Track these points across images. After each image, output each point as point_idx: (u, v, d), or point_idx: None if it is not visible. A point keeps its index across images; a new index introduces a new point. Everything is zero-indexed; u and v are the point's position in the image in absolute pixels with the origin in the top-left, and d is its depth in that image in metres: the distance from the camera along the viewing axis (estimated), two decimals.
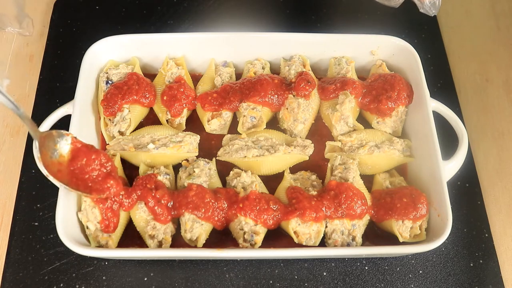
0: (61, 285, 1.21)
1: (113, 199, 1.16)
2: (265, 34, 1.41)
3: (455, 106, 1.48)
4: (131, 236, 1.21)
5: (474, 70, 1.59)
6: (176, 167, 1.30)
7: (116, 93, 1.29)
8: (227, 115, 1.35)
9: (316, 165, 1.33)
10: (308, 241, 1.18)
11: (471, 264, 1.28)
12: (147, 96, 1.33)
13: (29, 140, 1.38)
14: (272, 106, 1.34)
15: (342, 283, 1.24)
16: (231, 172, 1.28)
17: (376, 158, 1.28)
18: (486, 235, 1.32)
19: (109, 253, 1.16)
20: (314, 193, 1.21)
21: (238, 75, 1.43)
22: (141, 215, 1.18)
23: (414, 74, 1.35)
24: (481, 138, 1.47)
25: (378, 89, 1.33)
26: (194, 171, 1.24)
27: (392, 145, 1.30)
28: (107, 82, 1.33)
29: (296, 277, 1.24)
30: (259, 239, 1.16)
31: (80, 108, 1.26)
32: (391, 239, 1.20)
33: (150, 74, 1.42)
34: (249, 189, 1.20)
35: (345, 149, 1.31)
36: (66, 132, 1.15)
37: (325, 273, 1.25)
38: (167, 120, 1.36)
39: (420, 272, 1.26)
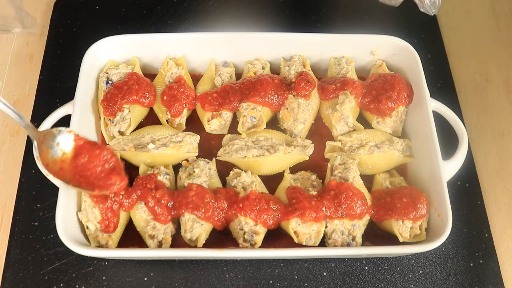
0: (61, 285, 1.21)
1: (113, 199, 1.16)
2: (265, 34, 1.41)
3: (455, 106, 1.48)
4: (131, 236, 1.21)
5: (474, 70, 1.59)
6: (176, 167, 1.30)
7: (116, 93, 1.29)
8: (227, 115, 1.35)
9: (316, 165, 1.33)
10: (308, 241, 1.18)
11: (471, 264, 1.28)
12: (147, 96, 1.33)
13: (29, 140, 1.37)
14: (272, 106, 1.34)
15: (342, 283, 1.24)
16: (231, 172, 1.28)
17: (376, 158, 1.28)
18: (486, 235, 1.32)
19: (109, 253, 1.16)
20: (314, 193, 1.21)
21: (238, 75, 1.43)
22: (141, 215, 1.18)
23: (414, 74, 1.35)
24: (481, 138, 1.47)
25: (378, 89, 1.33)
26: (194, 171, 1.24)
27: (392, 145, 1.30)
28: (107, 82, 1.33)
29: (296, 277, 1.24)
30: (259, 239, 1.16)
31: (80, 108, 1.26)
32: (391, 239, 1.20)
33: (150, 74, 1.42)
34: (249, 189, 1.20)
35: (345, 149, 1.31)
36: (68, 129, 1.14)
37: (325, 273, 1.25)
38: (167, 120, 1.36)
39: (420, 272, 1.26)
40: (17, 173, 1.35)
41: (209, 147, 1.36)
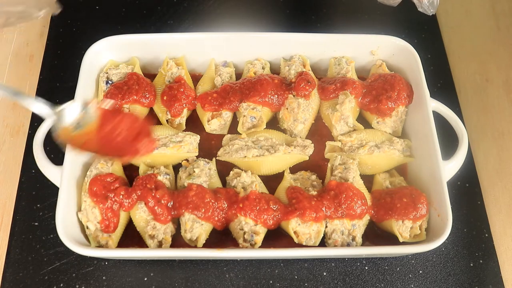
0: (61, 285, 1.21)
1: (113, 199, 1.16)
2: (265, 34, 1.41)
3: (455, 106, 1.48)
4: (131, 236, 1.21)
5: (474, 70, 1.59)
6: (176, 167, 1.30)
7: (116, 93, 1.29)
8: (227, 115, 1.35)
9: (316, 165, 1.33)
10: (308, 241, 1.18)
11: (471, 264, 1.28)
12: (147, 96, 1.33)
13: (29, 140, 1.38)
14: (272, 106, 1.34)
15: (342, 283, 1.24)
16: (231, 172, 1.28)
17: (376, 158, 1.28)
18: (486, 235, 1.32)
19: (109, 253, 1.16)
20: (314, 193, 1.21)
21: (238, 75, 1.43)
22: (141, 215, 1.18)
23: (414, 74, 1.35)
24: (481, 138, 1.47)
25: (378, 89, 1.33)
26: (194, 171, 1.24)
27: (392, 145, 1.30)
28: (107, 82, 1.33)
29: (296, 277, 1.24)
30: (259, 239, 1.16)
31: None
32: (391, 239, 1.20)
33: (150, 74, 1.42)
34: (249, 189, 1.20)
35: (345, 149, 1.31)
36: (88, 100, 1.11)
37: (325, 273, 1.25)
38: (167, 120, 1.36)
39: (420, 272, 1.26)
40: (17, 173, 1.35)
41: (209, 147, 1.36)
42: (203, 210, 1.15)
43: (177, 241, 1.20)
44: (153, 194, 1.16)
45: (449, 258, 1.28)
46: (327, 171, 1.29)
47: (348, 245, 1.19)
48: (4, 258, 1.24)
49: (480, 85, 1.56)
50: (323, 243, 1.20)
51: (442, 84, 1.54)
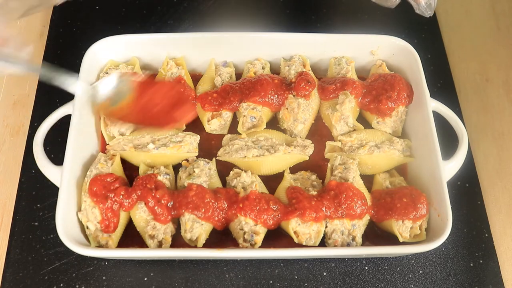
0: (61, 285, 1.21)
1: (113, 199, 1.16)
2: (265, 34, 1.41)
3: (455, 106, 1.48)
4: (131, 236, 1.21)
5: (474, 70, 1.59)
6: (176, 167, 1.30)
7: None
8: (227, 115, 1.35)
9: (316, 165, 1.33)
10: (308, 241, 1.18)
11: (471, 264, 1.28)
12: None
13: (29, 140, 1.38)
14: (272, 106, 1.34)
15: (342, 283, 1.24)
16: (231, 172, 1.28)
17: (376, 158, 1.28)
18: (486, 235, 1.32)
19: (109, 253, 1.16)
20: (314, 193, 1.21)
21: (238, 75, 1.43)
22: (141, 215, 1.18)
23: (414, 74, 1.35)
24: (481, 138, 1.47)
25: (378, 89, 1.33)
26: (194, 171, 1.24)
27: (392, 145, 1.30)
28: None
29: (296, 277, 1.24)
30: (259, 239, 1.16)
31: (80, 108, 1.26)
32: (391, 239, 1.20)
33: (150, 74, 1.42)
34: (249, 189, 1.20)
35: (345, 149, 1.31)
36: (122, 73, 1.10)
37: (325, 273, 1.25)
38: None
39: (420, 272, 1.26)
40: (17, 173, 1.35)
41: (209, 147, 1.36)
42: (203, 210, 1.15)
43: (177, 241, 1.20)
44: (153, 194, 1.16)
45: (449, 258, 1.28)
46: (327, 171, 1.29)
47: (348, 245, 1.19)
48: (4, 258, 1.24)
49: (480, 85, 1.56)
50: (323, 243, 1.20)
51: (442, 84, 1.54)
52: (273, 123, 1.39)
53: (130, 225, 1.22)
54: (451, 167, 1.25)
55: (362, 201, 1.19)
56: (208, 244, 1.18)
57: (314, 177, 1.29)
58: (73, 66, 1.35)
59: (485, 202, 1.36)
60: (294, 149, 1.29)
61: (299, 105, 1.32)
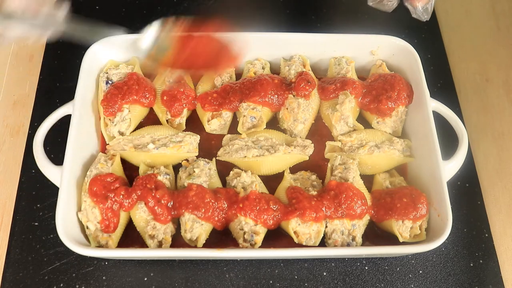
0: (61, 285, 1.21)
1: (113, 199, 1.16)
2: (265, 34, 1.41)
3: (455, 106, 1.48)
4: (131, 236, 1.21)
5: (474, 70, 1.59)
6: (176, 167, 1.30)
7: (116, 93, 1.29)
8: (227, 115, 1.35)
9: (316, 165, 1.33)
10: (308, 241, 1.18)
11: (471, 264, 1.28)
12: (147, 96, 1.33)
13: (29, 140, 1.38)
14: (272, 106, 1.34)
15: (342, 283, 1.24)
16: (231, 172, 1.28)
17: (376, 158, 1.28)
18: (486, 235, 1.32)
19: (109, 253, 1.16)
20: (314, 193, 1.21)
21: (238, 75, 1.43)
22: (141, 215, 1.18)
23: (414, 74, 1.35)
24: (481, 138, 1.47)
25: (378, 89, 1.33)
26: (194, 171, 1.24)
27: (392, 145, 1.30)
28: (107, 82, 1.33)
29: (296, 277, 1.24)
30: (259, 239, 1.16)
31: (80, 108, 1.26)
32: (391, 239, 1.20)
33: (150, 74, 1.42)
34: (249, 189, 1.20)
35: (345, 149, 1.31)
36: (162, 27, 1.12)
37: (325, 273, 1.25)
38: (167, 120, 1.36)
39: (420, 272, 1.26)
40: (17, 173, 1.35)
41: (209, 147, 1.36)
42: (203, 210, 1.15)
43: (177, 241, 1.20)
44: (153, 194, 1.16)
45: (449, 258, 1.28)
46: (327, 171, 1.29)
47: (348, 245, 1.19)
48: (4, 258, 1.24)
49: (480, 85, 1.56)
50: (323, 243, 1.20)
51: (442, 84, 1.54)
52: (273, 123, 1.39)
53: (130, 225, 1.22)
54: (451, 167, 1.25)
55: (362, 201, 1.19)
56: (208, 244, 1.18)
57: (314, 177, 1.29)
58: (73, 66, 1.35)
59: (485, 202, 1.36)
60: (294, 149, 1.29)
61: (299, 105, 1.32)
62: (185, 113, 1.35)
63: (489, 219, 1.34)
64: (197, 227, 1.17)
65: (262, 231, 1.17)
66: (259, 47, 1.41)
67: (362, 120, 1.39)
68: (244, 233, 1.17)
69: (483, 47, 1.64)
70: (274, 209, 1.17)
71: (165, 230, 1.18)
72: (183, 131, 1.35)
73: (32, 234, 1.27)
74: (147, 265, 1.24)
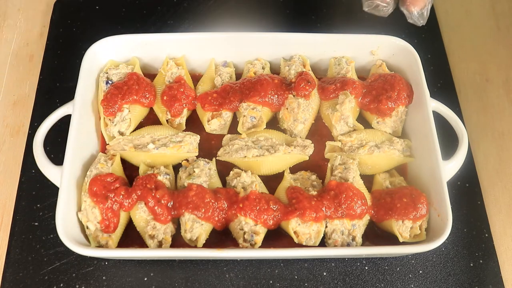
0: (61, 285, 1.21)
1: (113, 199, 1.16)
2: (265, 34, 1.41)
3: (455, 106, 1.48)
4: (131, 236, 1.21)
5: (474, 70, 1.59)
6: (176, 167, 1.30)
7: (116, 93, 1.29)
8: (227, 115, 1.35)
9: (316, 165, 1.33)
10: (308, 241, 1.18)
11: (471, 264, 1.28)
12: (147, 96, 1.33)
13: (29, 140, 1.38)
14: (272, 106, 1.34)
15: (342, 283, 1.24)
16: (231, 172, 1.28)
17: (376, 158, 1.28)
18: (486, 235, 1.32)
19: (109, 253, 1.16)
20: (314, 193, 1.21)
21: (238, 75, 1.43)
22: (141, 215, 1.18)
23: (414, 74, 1.35)
24: (481, 138, 1.47)
25: (378, 89, 1.33)
26: (194, 171, 1.24)
27: (392, 145, 1.30)
28: (107, 82, 1.33)
29: (296, 277, 1.24)
30: (259, 239, 1.16)
31: (80, 108, 1.26)
32: (391, 239, 1.20)
33: (150, 74, 1.42)
34: (249, 189, 1.20)
35: (345, 149, 1.31)
36: None
37: (325, 273, 1.25)
38: (167, 120, 1.36)
39: (420, 272, 1.26)
40: (17, 173, 1.35)
41: (209, 147, 1.36)
42: (203, 210, 1.15)
43: (177, 241, 1.20)
44: (153, 194, 1.16)
45: (449, 258, 1.28)
46: (327, 171, 1.29)
47: (348, 245, 1.19)
48: (4, 258, 1.24)
49: (480, 85, 1.56)
50: (323, 243, 1.20)
51: (442, 84, 1.54)
52: (273, 123, 1.39)
53: (130, 225, 1.22)
54: (451, 167, 1.25)
55: (362, 201, 1.19)
56: (208, 244, 1.18)
57: (314, 177, 1.29)
58: (73, 66, 1.36)
59: (485, 202, 1.36)
60: (294, 149, 1.29)
61: (299, 105, 1.32)
62: (185, 113, 1.35)
63: (489, 219, 1.34)
64: (197, 227, 1.17)
65: (262, 231, 1.17)
66: (259, 47, 1.41)
67: (362, 120, 1.39)
68: (244, 233, 1.17)
69: (483, 47, 1.64)
70: (274, 209, 1.17)
71: (165, 230, 1.18)
72: (183, 131, 1.35)
73: (32, 234, 1.27)
74: (147, 265, 1.24)
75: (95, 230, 1.17)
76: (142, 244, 1.19)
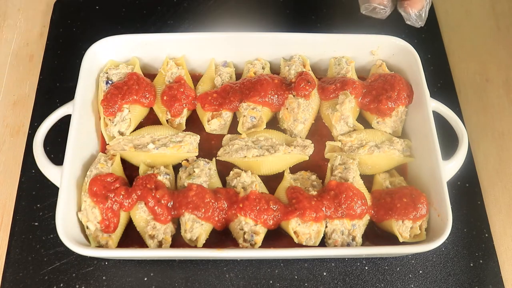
0: (61, 285, 1.21)
1: (113, 199, 1.16)
2: (265, 34, 1.41)
3: (455, 106, 1.48)
4: (131, 236, 1.21)
5: (474, 70, 1.59)
6: (176, 167, 1.30)
7: (116, 93, 1.29)
8: (227, 115, 1.35)
9: (316, 165, 1.33)
10: (308, 241, 1.18)
11: (471, 264, 1.28)
12: (147, 96, 1.33)
13: (29, 140, 1.38)
14: (272, 106, 1.34)
15: (342, 283, 1.24)
16: (231, 172, 1.28)
17: (376, 158, 1.28)
18: (486, 235, 1.32)
19: (109, 253, 1.16)
20: (314, 193, 1.21)
21: (238, 75, 1.43)
22: (141, 215, 1.18)
23: (414, 74, 1.35)
24: (481, 138, 1.47)
25: (378, 89, 1.33)
26: (194, 171, 1.24)
27: (392, 145, 1.30)
28: (107, 82, 1.33)
29: (296, 277, 1.24)
30: (259, 239, 1.16)
31: (80, 108, 1.26)
32: (391, 239, 1.20)
33: (150, 74, 1.42)
34: (249, 189, 1.20)
35: (345, 149, 1.31)
36: None
37: (325, 273, 1.25)
38: (167, 120, 1.36)
39: (420, 272, 1.26)
40: (17, 173, 1.35)
41: (209, 147, 1.36)
42: (203, 210, 1.15)
43: (177, 241, 1.20)
44: (153, 194, 1.16)
45: (449, 258, 1.28)
46: (327, 171, 1.29)
47: (348, 245, 1.19)
48: (4, 258, 1.24)
49: (480, 85, 1.56)
50: (323, 243, 1.20)
51: (442, 84, 1.54)
52: (273, 123, 1.39)
53: (130, 225, 1.22)
54: (451, 167, 1.25)
55: (362, 201, 1.19)
56: (208, 244, 1.18)
57: (314, 177, 1.29)
58: (73, 66, 1.36)
59: (485, 202, 1.36)
60: (294, 149, 1.29)
61: (299, 105, 1.32)
62: (185, 113, 1.35)
63: (489, 219, 1.34)
64: (197, 227, 1.17)
65: (262, 231, 1.17)
66: (259, 47, 1.41)
67: (362, 120, 1.39)
68: (244, 233, 1.17)
69: (483, 47, 1.64)
70: (274, 209, 1.17)
71: (165, 230, 1.18)
72: (183, 131, 1.35)
73: (32, 234, 1.27)
74: (147, 265, 1.24)
75: (95, 230, 1.17)
76: (142, 244, 1.19)
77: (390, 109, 1.32)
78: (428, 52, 1.58)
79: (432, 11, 1.62)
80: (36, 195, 1.31)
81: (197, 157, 1.31)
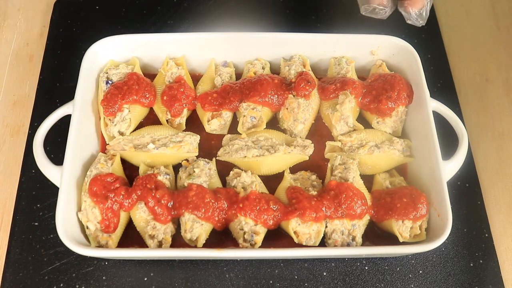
0: (61, 285, 1.21)
1: (113, 199, 1.16)
2: (265, 34, 1.41)
3: (455, 106, 1.48)
4: (131, 236, 1.21)
5: (474, 70, 1.59)
6: (176, 167, 1.30)
7: (116, 93, 1.29)
8: (227, 115, 1.35)
9: (316, 165, 1.33)
10: (308, 241, 1.18)
11: (471, 264, 1.28)
12: (147, 96, 1.33)
13: (29, 140, 1.38)
14: (272, 106, 1.34)
15: (342, 283, 1.24)
16: (231, 172, 1.28)
17: (376, 158, 1.28)
18: (486, 235, 1.32)
19: (109, 253, 1.16)
20: (314, 193, 1.21)
21: (238, 75, 1.43)
22: (141, 215, 1.18)
23: (414, 74, 1.35)
24: (481, 138, 1.47)
25: (378, 89, 1.33)
26: (194, 171, 1.24)
27: (392, 145, 1.30)
28: (107, 82, 1.33)
29: (296, 277, 1.24)
30: (259, 239, 1.16)
31: (80, 108, 1.26)
32: (391, 239, 1.20)
33: (150, 74, 1.42)
34: (249, 189, 1.20)
35: (345, 149, 1.31)
36: None
37: (325, 273, 1.25)
38: (167, 120, 1.36)
39: (420, 272, 1.26)
40: (17, 173, 1.35)
41: (209, 147, 1.36)
42: (203, 210, 1.15)
43: (177, 241, 1.20)
44: (153, 194, 1.16)
45: (449, 258, 1.28)
46: (327, 171, 1.29)
47: (348, 245, 1.19)
48: (4, 258, 1.24)
49: (480, 85, 1.56)
50: (323, 243, 1.20)
51: (442, 84, 1.54)
52: (273, 123, 1.39)
53: (130, 225, 1.22)
54: (451, 167, 1.25)
55: (362, 201, 1.19)
56: (208, 244, 1.18)
57: (314, 177, 1.29)
58: (73, 66, 1.36)
59: (485, 202, 1.36)
60: (294, 149, 1.29)
61: (299, 105, 1.32)
62: (185, 113, 1.35)
63: (489, 219, 1.34)
64: (197, 227, 1.17)
65: (262, 231, 1.17)
66: (259, 47, 1.41)
67: (362, 120, 1.39)
68: (244, 233, 1.17)
69: (483, 47, 1.64)
70: (274, 209, 1.17)
71: (165, 230, 1.18)
72: (183, 131, 1.35)
73: (32, 234, 1.27)
74: (147, 265, 1.24)
75: (95, 230, 1.17)
76: (142, 244, 1.19)
77: (390, 109, 1.32)
78: (428, 52, 1.58)
79: (432, 11, 1.62)
80: (36, 195, 1.31)
81: (197, 157, 1.31)
